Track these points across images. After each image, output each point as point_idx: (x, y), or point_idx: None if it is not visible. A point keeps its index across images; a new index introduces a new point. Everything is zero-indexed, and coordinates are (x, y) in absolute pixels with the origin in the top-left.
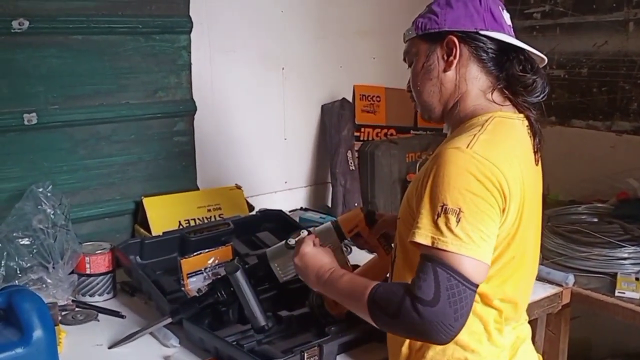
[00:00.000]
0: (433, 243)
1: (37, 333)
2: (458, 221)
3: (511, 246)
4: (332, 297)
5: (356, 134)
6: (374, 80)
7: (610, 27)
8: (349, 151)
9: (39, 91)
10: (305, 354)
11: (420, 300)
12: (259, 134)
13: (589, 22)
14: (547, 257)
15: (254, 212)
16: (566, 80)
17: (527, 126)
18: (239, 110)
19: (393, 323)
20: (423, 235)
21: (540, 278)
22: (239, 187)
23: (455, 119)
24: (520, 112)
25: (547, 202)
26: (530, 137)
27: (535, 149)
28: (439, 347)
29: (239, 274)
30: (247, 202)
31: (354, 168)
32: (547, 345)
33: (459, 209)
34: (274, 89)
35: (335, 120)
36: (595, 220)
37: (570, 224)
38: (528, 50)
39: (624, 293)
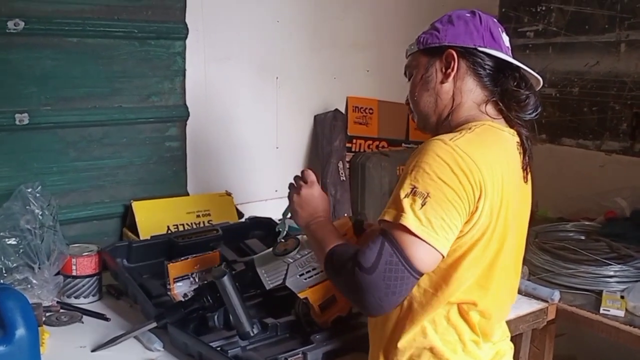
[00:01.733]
0: (394, 219)
1: (20, 332)
2: (423, 204)
3: (488, 251)
4: (308, 239)
5: (348, 145)
6: (367, 92)
7: (602, 48)
8: (340, 162)
9: (32, 92)
10: None
11: (360, 265)
12: (251, 141)
13: (581, 43)
14: (534, 272)
15: (243, 219)
16: (557, 99)
17: (517, 142)
18: (232, 117)
19: (336, 279)
20: (388, 213)
21: (526, 293)
22: (229, 194)
23: (447, 128)
24: (511, 127)
25: (536, 219)
26: (519, 153)
27: (524, 167)
28: (414, 355)
29: (225, 279)
30: (237, 209)
31: (344, 179)
32: None
33: (427, 193)
34: (268, 98)
35: (327, 131)
36: (583, 237)
37: (558, 241)
38: (524, 70)
39: (608, 311)
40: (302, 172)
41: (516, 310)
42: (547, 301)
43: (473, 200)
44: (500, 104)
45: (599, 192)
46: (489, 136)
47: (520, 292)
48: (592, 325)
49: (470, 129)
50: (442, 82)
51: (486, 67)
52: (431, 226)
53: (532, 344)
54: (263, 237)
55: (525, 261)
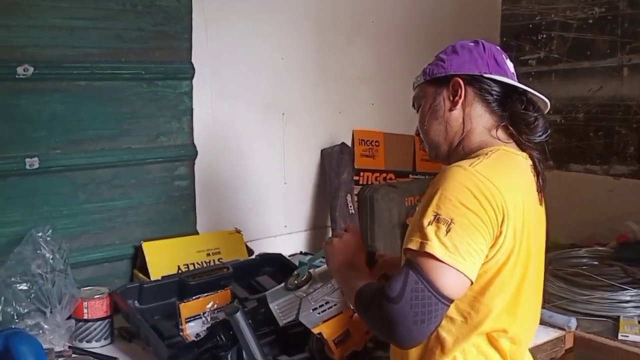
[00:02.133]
0: (420, 247)
1: None
2: (448, 231)
3: (514, 275)
4: (339, 282)
5: (355, 178)
6: (372, 125)
7: (604, 73)
8: (349, 195)
9: (41, 136)
10: None
11: (386, 296)
12: (259, 178)
13: (584, 68)
14: (549, 300)
15: (253, 256)
16: (563, 125)
17: (530, 165)
18: (240, 154)
19: (365, 314)
20: (413, 242)
21: (542, 322)
22: (238, 231)
23: (460, 155)
24: (523, 150)
25: (548, 247)
26: (533, 175)
27: (539, 189)
28: None
29: (239, 315)
30: (247, 246)
31: (353, 212)
32: None
33: (451, 220)
34: (274, 134)
35: (334, 164)
36: (596, 263)
37: (571, 267)
38: (531, 94)
39: (627, 336)
40: (347, 225)
41: (533, 339)
42: (564, 329)
43: (497, 224)
44: (511, 128)
45: (610, 217)
46: (505, 161)
47: None
48: (611, 352)
49: (487, 154)
50: (450, 110)
51: (493, 92)
52: (457, 252)
53: None
54: (273, 274)
55: None
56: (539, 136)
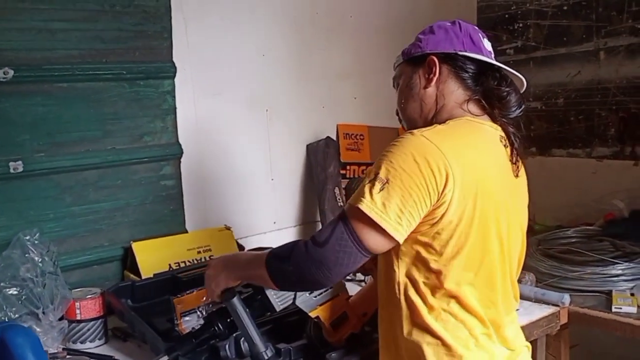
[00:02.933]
0: (354, 202)
1: None
2: (381, 189)
3: (471, 237)
4: (236, 273)
5: (342, 172)
6: (356, 119)
7: (582, 58)
8: (337, 188)
9: (24, 139)
10: None
11: (313, 239)
12: (246, 175)
13: (561, 54)
14: (541, 279)
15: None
16: (543, 111)
17: (501, 136)
18: (225, 152)
19: (282, 266)
20: (352, 198)
21: (536, 300)
22: (228, 228)
23: None
24: (495, 122)
25: (535, 230)
26: (505, 146)
27: (513, 160)
28: (429, 353)
29: (235, 300)
30: (237, 243)
31: (342, 204)
32: None
33: (387, 180)
34: (259, 130)
35: (320, 158)
36: (585, 240)
37: (561, 246)
38: (506, 70)
39: (620, 308)
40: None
41: (528, 316)
42: (558, 305)
43: (435, 188)
44: (483, 102)
45: (595, 198)
46: (464, 128)
47: (529, 299)
48: (605, 324)
49: (446, 123)
50: (425, 87)
51: (468, 70)
52: (384, 211)
53: (547, 351)
54: None
55: (530, 269)
56: (513, 111)
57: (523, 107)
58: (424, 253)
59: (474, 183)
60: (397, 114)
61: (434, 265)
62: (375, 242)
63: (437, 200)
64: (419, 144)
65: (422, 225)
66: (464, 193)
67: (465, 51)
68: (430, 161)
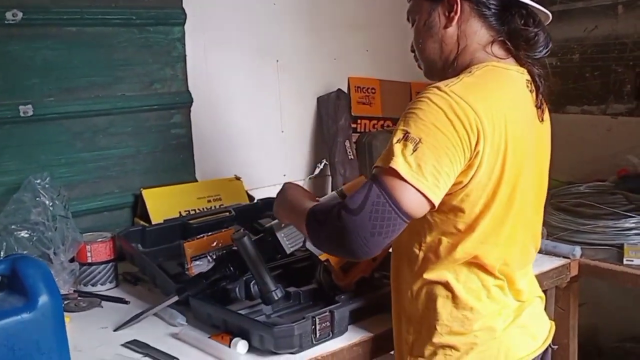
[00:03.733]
0: (385, 164)
1: (43, 298)
2: (415, 150)
3: (500, 194)
4: (286, 216)
5: (353, 125)
6: (368, 72)
7: (599, 12)
8: (347, 140)
9: (34, 83)
10: (317, 319)
11: (346, 207)
12: (256, 126)
13: (578, 9)
14: (552, 233)
15: (255, 201)
16: (558, 67)
17: (527, 80)
18: (236, 102)
19: (319, 228)
20: (380, 159)
21: (546, 252)
22: (238, 178)
23: (453, 73)
24: (521, 65)
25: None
26: (531, 91)
27: (538, 104)
28: (439, 305)
29: (246, 239)
30: (247, 193)
31: (352, 157)
32: (557, 322)
33: (419, 139)
34: (269, 81)
35: (331, 111)
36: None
37: (574, 199)
38: (531, 6)
39: (632, 261)
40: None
41: (538, 267)
42: (568, 258)
43: (468, 146)
44: (508, 44)
45: (609, 154)
46: (490, 77)
47: (540, 251)
48: (616, 277)
49: (470, 72)
50: (445, 27)
51: (491, 6)
52: (420, 172)
53: (557, 304)
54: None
55: (542, 223)
56: (539, 52)
57: (550, 46)
58: (451, 215)
59: (503, 139)
60: (413, 52)
61: (460, 225)
62: (414, 205)
63: (470, 160)
64: (449, 99)
65: (451, 188)
66: (494, 151)
67: None
68: (463, 119)
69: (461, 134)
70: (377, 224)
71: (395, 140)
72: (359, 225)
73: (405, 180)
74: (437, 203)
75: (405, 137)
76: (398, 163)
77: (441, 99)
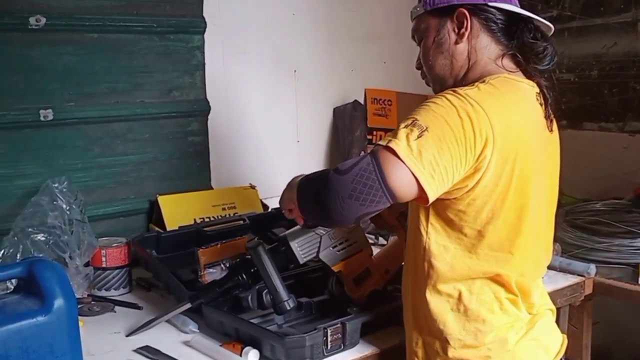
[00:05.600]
0: (386, 142)
1: (59, 302)
2: (419, 137)
3: (508, 202)
4: (290, 195)
5: (368, 137)
6: (385, 84)
7: (618, 29)
8: (362, 152)
9: (54, 88)
10: (329, 331)
11: (336, 169)
12: (272, 135)
13: (597, 25)
14: (567, 250)
15: (269, 210)
16: (576, 83)
17: (537, 93)
18: (253, 111)
19: (307, 187)
20: (383, 139)
21: (560, 269)
22: (253, 187)
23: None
24: (530, 79)
25: (563, 203)
26: (540, 104)
27: (547, 116)
28: (450, 318)
29: (260, 248)
30: (262, 202)
31: None
32: (570, 341)
33: (426, 127)
34: (287, 91)
35: (347, 122)
36: (614, 212)
37: (589, 217)
38: (536, 20)
39: None
40: None
41: (553, 284)
42: (583, 275)
43: (472, 148)
44: (519, 57)
45: (626, 172)
46: (505, 88)
47: (554, 268)
48: (631, 297)
49: (484, 81)
50: (456, 43)
51: (498, 21)
52: (420, 158)
53: (570, 322)
54: (290, 228)
55: (556, 239)
56: (546, 65)
57: (556, 59)
58: (456, 220)
59: (514, 147)
60: (419, 69)
61: (467, 231)
62: (402, 184)
63: (473, 166)
64: (464, 101)
65: (457, 192)
66: (503, 158)
67: (495, 2)
68: (474, 121)
69: (468, 133)
70: (358, 187)
71: (402, 125)
72: (340, 185)
73: (402, 161)
74: (430, 194)
75: (413, 124)
76: (399, 145)
77: (456, 99)
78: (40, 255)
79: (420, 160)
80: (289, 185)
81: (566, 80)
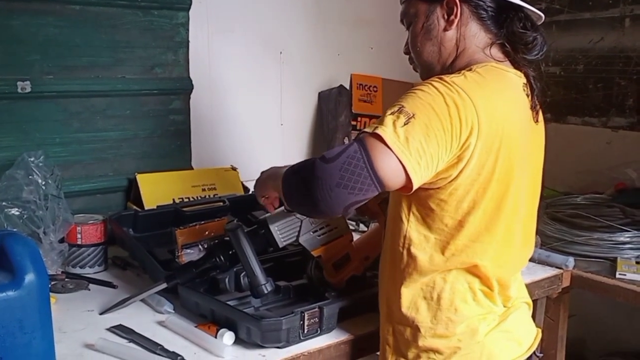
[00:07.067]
0: (373, 129)
1: (29, 277)
2: (406, 123)
3: (489, 192)
4: (274, 183)
5: (353, 122)
6: (371, 70)
7: (606, 24)
8: (346, 137)
9: (34, 59)
10: (306, 315)
11: (322, 157)
12: (255, 117)
13: (585, 19)
14: (546, 242)
15: (250, 192)
16: (562, 77)
17: (524, 84)
18: (236, 91)
19: (292, 177)
20: (369, 127)
21: (539, 261)
22: (234, 169)
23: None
24: (517, 69)
25: (544, 196)
26: (527, 95)
27: (533, 106)
28: (423, 306)
29: (239, 231)
30: (243, 184)
31: None
32: (546, 332)
33: (413, 114)
34: (271, 72)
35: (332, 107)
36: (595, 207)
37: (570, 210)
38: (526, 8)
39: (624, 275)
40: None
41: (530, 276)
42: (561, 268)
43: (458, 136)
44: (508, 46)
45: (608, 167)
46: (491, 76)
47: (533, 260)
48: (608, 290)
49: (471, 69)
50: (445, 30)
51: (488, 9)
52: (407, 144)
53: (546, 314)
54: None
55: (537, 231)
56: (535, 55)
57: (545, 49)
58: (437, 210)
59: (498, 136)
60: (407, 54)
61: (448, 221)
62: (390, 172)
63: (457, 154)
64: (451, 88)
65: (440, 181)
66: (487, 147)
67: None
68: (460, 109)
69: (454, 121)
70: (346, 176)
71: (389, 112)
72: (328, 173)
73: (389, 148)
74: (415, 182)
75: (400, 110)
76: (386, 131)
77: (443, 86)
78: (14, 230)
79: (407, 147)
80: (270, 174)
81: (552, 73)
